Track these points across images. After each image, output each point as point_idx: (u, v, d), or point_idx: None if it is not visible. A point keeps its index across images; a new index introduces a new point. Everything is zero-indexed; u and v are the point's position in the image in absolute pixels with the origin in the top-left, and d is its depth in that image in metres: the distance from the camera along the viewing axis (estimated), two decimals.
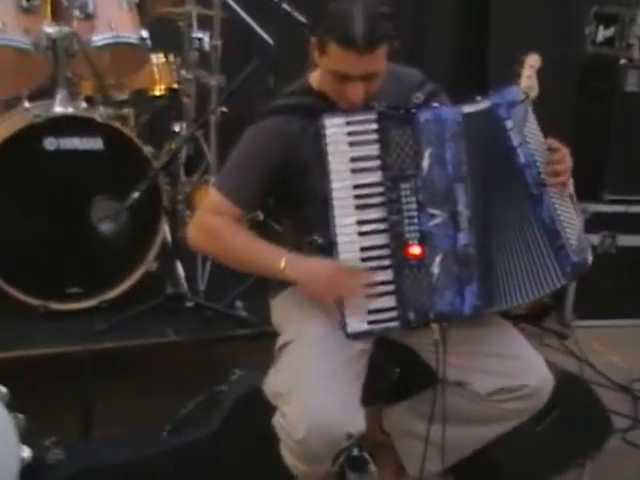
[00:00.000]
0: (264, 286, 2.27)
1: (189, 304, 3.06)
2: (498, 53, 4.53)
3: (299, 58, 2.43)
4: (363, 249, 1.99)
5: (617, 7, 4.13)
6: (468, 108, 1.98)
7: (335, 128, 1.99)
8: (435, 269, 1.95)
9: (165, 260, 3.13)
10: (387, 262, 1.99)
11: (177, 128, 3.60)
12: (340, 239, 1.98)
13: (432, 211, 1.95)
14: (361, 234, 1.99)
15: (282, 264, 1.99)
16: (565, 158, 2.05)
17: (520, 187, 2.02)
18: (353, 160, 1.99)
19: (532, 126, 2.04)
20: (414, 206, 1.95)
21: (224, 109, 3.44)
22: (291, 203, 2.14)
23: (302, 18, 3.34)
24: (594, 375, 3.36)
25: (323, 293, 1.99)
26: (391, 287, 1.99)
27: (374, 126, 2.00)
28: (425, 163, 1.93)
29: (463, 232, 1.96)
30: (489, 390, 2.04)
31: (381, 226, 1.99)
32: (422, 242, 1.95)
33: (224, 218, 2.08)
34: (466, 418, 2.08)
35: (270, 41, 3.37)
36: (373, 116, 1.99)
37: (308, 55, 2.09)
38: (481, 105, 2.00)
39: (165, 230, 3.14)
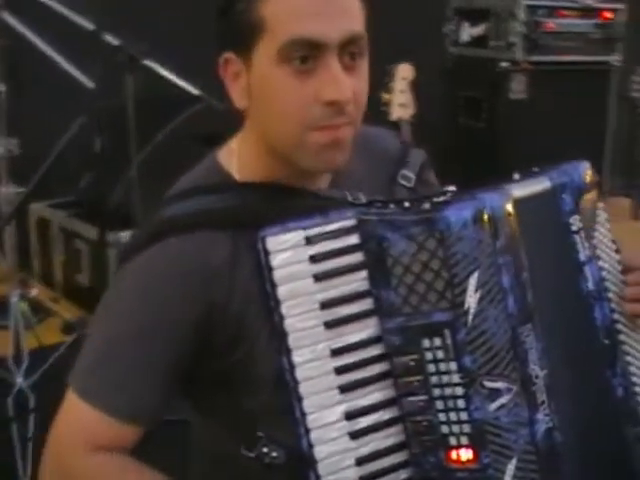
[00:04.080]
0: None
1: None
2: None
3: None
4: (361, 461, 1.10)
5: (488, 0, 3.41)
6: (518, 190, 1.12)
7: (286, 252, 1.09)
8: None
9: None
10: (403, 475, 1.12)
11: None
12: (318, 451, 1.09)
13: (491, 384, 1.07)
14: (355, 436, 1.10)
15: None
16: None
17: (587, 334, 1.21)
18: (325, 307, 1.09)
19: (603, 230, 1.23)
20: (457, 379, 1.06)
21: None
22: (215, 391, 1.20)
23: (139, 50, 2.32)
24: None
25: None
26: None
27: (354, 240, 1.10)
28: (471, 299, 1.05)
29: (542, 409, 1.10)
30: None
31: (387, 416, 1.10)
32: (476, 442, 1.07)
33: (103, 457, 1.10)
34: None
35: (89, 84, 2.32)
36: (351, 222, 1.10)
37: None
38: (537, 185, 1.15)
39: None
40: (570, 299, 1.19)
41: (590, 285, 1.20)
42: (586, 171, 1.23)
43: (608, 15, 3.69)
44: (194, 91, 2.59)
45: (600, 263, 1.22)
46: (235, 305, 1.13)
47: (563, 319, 1.16)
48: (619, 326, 1.24)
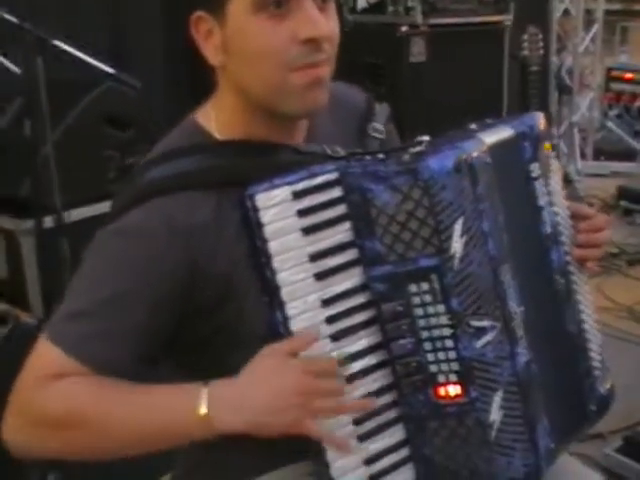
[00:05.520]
0: None
1: None
2: None
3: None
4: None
5: None
6: (488, 138, 1.18)
7: (275, 207, 1.11)
8: (493, 416, 1.15)
9: None
10: (393, 414, 1.17)
11: None
12: None
13: (477, 323, 1.13)
14: (347, 381, 1.13)
15: (202, 407, 1.07)
16: (603, 226, 1.35)
17: (546, 274, 1.29)
18: (314, 259, 1.13)
19: (556, 178, 1.30)
20: (445, 320, 1.12)
21: None
22: (200, 350, 1.21)
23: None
24: None
25: (297, 421, 1.10)
26: (405, 451, 1.17)
27: (338, 193, 1.14)
28: (456, 244, 1.11)
29: (521, 343, 1.18)
30: None
31: (375, 359, 1.16)
32: (464, 378, 1.13)
33: (70, 379, 1.09)
34: None
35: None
36: (334, 175, 1.14)
37: None
38: (503, 133, 1.21)
39: None
40: (533, 241, 1.26)
41: (548, 229, 1.28)
42: (540, 121, 1.30)
43: None
44: (107, 69, 2.55)
45: (555, 209, 1.30)
46: (220, 264, 1.14)
47: (529, 260, 1.24)
48: (571, 268, 1.33)
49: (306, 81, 1.12)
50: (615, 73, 6.18)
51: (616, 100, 6.18)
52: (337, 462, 1.14)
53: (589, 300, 1.36)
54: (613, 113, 6.09)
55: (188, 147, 1.18)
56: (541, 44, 3.51)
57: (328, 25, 1.12)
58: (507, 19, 3.78)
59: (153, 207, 1.12)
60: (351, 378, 1.15)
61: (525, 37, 3.51)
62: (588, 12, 5.51)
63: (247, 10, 1.10)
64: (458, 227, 1.10)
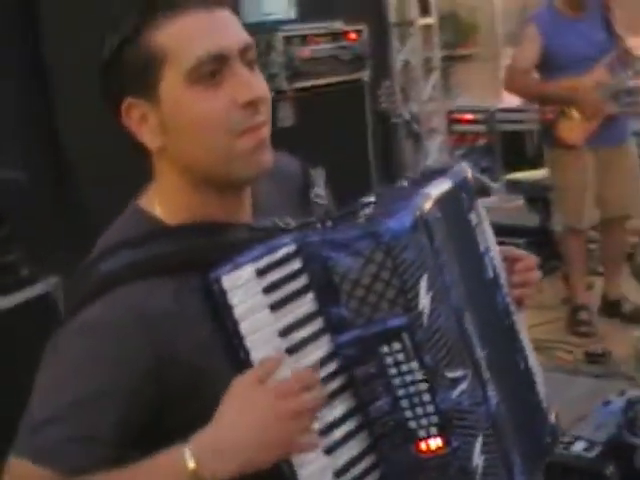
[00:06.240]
0: None
1: None
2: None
3: None
4: (338, 473, 1.16)
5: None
6: (433, 191, 1.22)
7: (242, 288, 1.12)
8: (475, 462, 1.17)
9: None
10: (377, 475, 1.18)
11: None
12: (303, 474, 1.12)
13: (451, 374, 1.16)
14: (328, 451, 1.16)
15: (189, 464, 1.03)
16: (534, 265, 1.42)
17: (495, 316, 1.35)
18: (283, 334, 1.14)
19: (486, 224, 1.36)
20: (419, 376, 1.14)
21: None
22: (176, 437, 1.17)
23: None
24: None
25: (287, 445, 1.09)
26: None
27: (297, 265, 1.15)
28: (424, 301, 1.14)
29: (489, 386, 1.22)
30: None
31: (353, 424, 1.17)
32: (444, 430, 1.16)
33: None
34: None
35: None
36: (292, 247, 1.15)
37: None
38: (443, 185, 1.26)
39: None
40: (482, 287, 1.31)
41: (490, 273, 1.34)
42: (468, 171, 1.36)
43: (353, 36, 3.97)
44: None
45: (491, 254, 1.35)
46: (184, 350, 1.12)
47: (481, 305, 1.28)
48: (512, 308, 1.38)
49: (252, 145, 1.13)
50: (456, 116, 6.51)
51: (461, 141, 6.51)
52: None
53: (527, 337, 1.42)
54: (459, 153, 6.39)
55: (140, 235, 1.16)
56: (396, 96, 3.67)
57: (262, 87, 1.15)
58: (365, 75, 3.92)
59: (114, 298, 1.10)
60: (331, 447, 1.15)
61: (381, 91, 3.65)
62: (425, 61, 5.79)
63: (181, 85, 1.11)
64: (424, 284, 1.13)
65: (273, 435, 1.07)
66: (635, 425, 2.75)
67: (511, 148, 5.75)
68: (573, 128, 3.54)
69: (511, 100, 5.98)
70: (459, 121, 6.43)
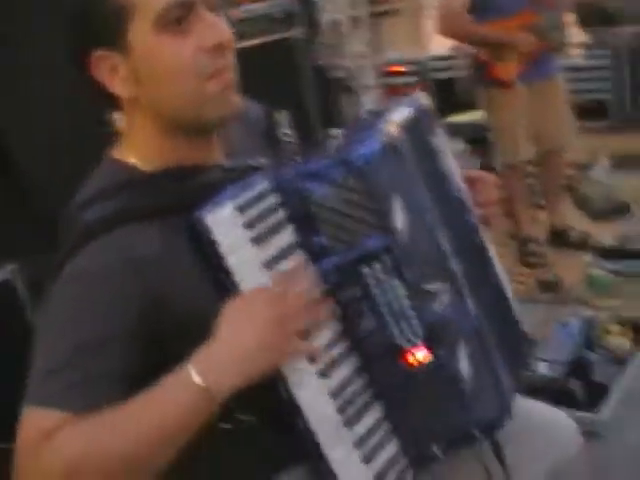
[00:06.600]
0: None
1: None
2: None
3: None
4: (334, 393, 1.20)
5: None
6: (396, 117, 1.27)
7: (224, 224, 1.15)
8: (463, 368, 1.24)
9: None
10: (369, 394, 1.23)
11: None
12: (301, 396, 1.17)
13: (430, 287, 1.22)
14: (323, 374, 1.20)
15: (196, 381, 1.06)
16: (494, 184, 1.48)
17: (467, 235, 1.40)
18: (267, 266, 1.18)
19: (448, 148, 1.41)
20: (402, 292, 1.19)
21: None
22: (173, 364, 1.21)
23: None
24: None
25: (289, 347, 1.15)
26: (386, 426, 1.24)
27: (276, 199, 1.19)
28: (399, 220, 1.19)
29: (466, 296, 1.27)
30: None
31: (343, 347, 1.22)
32: (430, 341, 1.21)
33: (62, 432, 1.05)
34: None
35: None
36: (269, 183, 1.19)
37: None
38: (404, 112, 1.30)
39: None
40: (449, 206, 1.36)
41: (457, 194, 1.39)
42: (424, 99, 1.40)
43: None
44: None
45: (456, 175, 1.41)
46: (176, 292, 1.16)
47: (451, 223, 1.33)
48: (479, 227, 1.44)
49: (221, 87, 1.18)
50: (387, 69, 6.55)
51: (394, 93, 6.55)
52: (332, 455, 1.19)
53: (495, 257, 1.48)
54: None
55: (118, 183, 1.19)
56: (329, 53, 3.69)
57: (227, 31, 1.19)
58: (298, 32, 3.94)
59: (99, 246, 1.13)
60: (324, 371, 1.20)
61: (313, 48, 3.68)
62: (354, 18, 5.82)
63: (150, 34, 1.14)
64: (398, 204, 1.18)
65: (270, 339, 1.11)
66: (592, 342, 2.88)
67: (444, 95, 5.81)
68: (508, 67, 3.61)
69: (438, 49, 6.07)
70: (391, 74, 6.47)
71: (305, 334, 1.16)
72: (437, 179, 1.33)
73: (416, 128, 1.30)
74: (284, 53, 3.84)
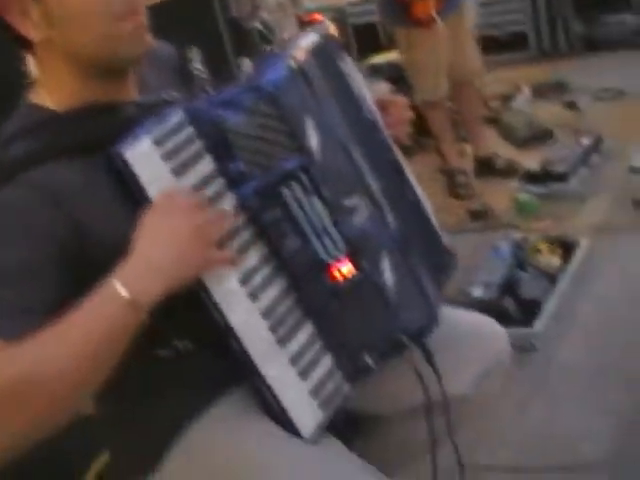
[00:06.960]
0: None
1: None
2: None
3: None
4: (265, 313, 1.24)
5: None
6: (303, 43, 1.30)
7: (142, 158, 1.17)
8: (387, 278, 1.29)
9: None
10: (299, 312, 1.28)
11: None
12: (233, 319, 1.21)
13: (349, 202, 1.26)
14: (253, 296, 1.24)
15: (121, 293, 1.09)
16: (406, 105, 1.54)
17: (381, 153, 1.45)
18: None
19: (357, 73, 1.44)
20: (321, 209, 1.24)
21: None
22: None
23: None
24: None
25: (207, 255, 1.19)
26: (319, 342, 1.29)
27: (191, 130, 1.22)
28: (312, 140, 1.23)
29: (387, 211, 1.32)
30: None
31: (269, 269, 1.26)
32: (353, 254, 1.26)
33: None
34: None
35: None
36: (183, 115, 1.21)
37: None
38: (311, 38, 1.34)
39: None
40: (364, 127, 1.40)
41: (368, 115, 1.43)
42: (330, 27, 1.44)
43: None
44: None
45: (366, 99, 1.45)
46: (100, 220, 1.17)
47: (367, 143, 1.37)
48: (392, 146, 1.49)
49: (133, 26, 1.20)
50: (306, 18, 6.52)
51: None
52: (269, 373, 1.23)
53: (411, 174, 1.53)
54: None
55: (34, 123, 1.20)
56: (248, 5, 3.68)
57: None
58: None
59: (15, 183, 1.14)
60: (254, 293, 1.24)
61: (230, 1, 3.66)
62: None
63: None
64: (310, 124, 1.22)
65: (188, 248, 1.15)
66: (523, 262, 2.97)
67: (364, 40, 5.83)
68: (425, 5, 3.66)
69: None
70: (310, 23, 6.46)
71: (221, 243, 1.19)
72: (348, 100, 1.37)
73: (323, 52, 1.33)
74: (201, 6, 3.81)
